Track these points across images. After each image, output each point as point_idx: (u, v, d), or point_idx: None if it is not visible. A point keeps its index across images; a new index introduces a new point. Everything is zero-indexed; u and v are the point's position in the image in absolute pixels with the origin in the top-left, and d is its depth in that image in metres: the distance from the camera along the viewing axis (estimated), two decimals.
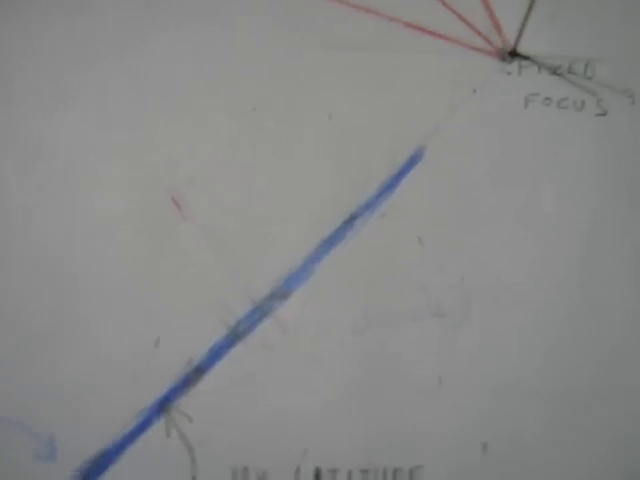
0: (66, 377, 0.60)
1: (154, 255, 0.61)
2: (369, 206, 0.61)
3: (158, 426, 0.60)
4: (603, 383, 0.61)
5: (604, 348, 0.61)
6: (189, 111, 0.61)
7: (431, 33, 0.62)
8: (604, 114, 0.62)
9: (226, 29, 0.61)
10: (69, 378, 0.60)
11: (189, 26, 0.61)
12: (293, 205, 0.61)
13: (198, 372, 0.60)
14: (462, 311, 0.60)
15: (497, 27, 0.63)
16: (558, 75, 0.62)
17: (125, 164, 0.61)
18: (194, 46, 0.61)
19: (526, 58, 0.63)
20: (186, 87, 0.61)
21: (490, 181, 0.61)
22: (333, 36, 0.62)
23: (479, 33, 0.63)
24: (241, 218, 0.61)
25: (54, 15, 0.60)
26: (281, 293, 0.60)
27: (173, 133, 0.61)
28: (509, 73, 0.62)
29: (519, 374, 0.61)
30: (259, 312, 0.60)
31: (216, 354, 0.60)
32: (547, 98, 0.62)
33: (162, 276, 0.60)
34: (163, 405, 0.60)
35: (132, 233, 0.61)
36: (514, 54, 0.63)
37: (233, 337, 0.60)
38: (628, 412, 0.60)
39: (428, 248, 0.61)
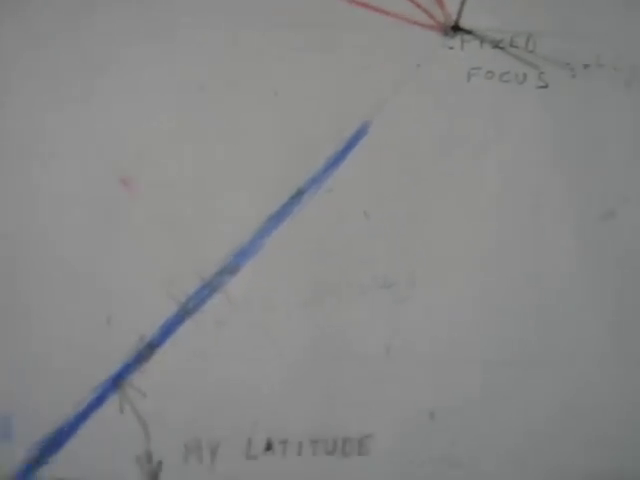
0: (20, 355, 0.61)
1: (104, 234, 0.61)
2: (316, 181, 0.62)
3: (112, 402, 0.61)
4: (543, 351, 0.62)
5: (545, 318, 0.62)
6: (137, 90, 0.62)
7: (375, 9, 0.63)
8: (545, 87, 0.63)
9: (172, 13, 0.62)
10: (23, 356, 0.61)
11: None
12: (241, 181, 0.62)
13: (150, 348, 0.61)
14: (408, 283, 0.62)
15: (439, 1, 0.64)
16: (500, 49, 0.63)
17: (75, 143, 0.61)
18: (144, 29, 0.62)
19: (468, 32, 0.63)
20: (135, 66, 0.61)
21: (434, 155, 0.62)
22: (277, 14, 0.62)
23: (422, 8, 0.64)
24: (189, 195, 0.61)
25: None
26: (230, 268, 0.61)
27: (121, 112, 0.62)
28: (451, 48, 0.63)
29: (464, 343, 0.62)
30: (209, 288, 0.61)
31: (167, 330, 0.61)
32: (489, 72, 0.63)
33: (113, 255, 0.61)
34: (116, 381, 0.61)
35: (82, 212, 0.61)
36: (457, 28, 0.63)
37: (184, 313, 0.61)
38: (566, 379, 0.62)
39: (374, 222, 0.62)
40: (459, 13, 0.63)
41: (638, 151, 0.63)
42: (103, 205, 0.61)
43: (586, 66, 0.63)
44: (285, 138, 0.62)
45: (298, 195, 0.62)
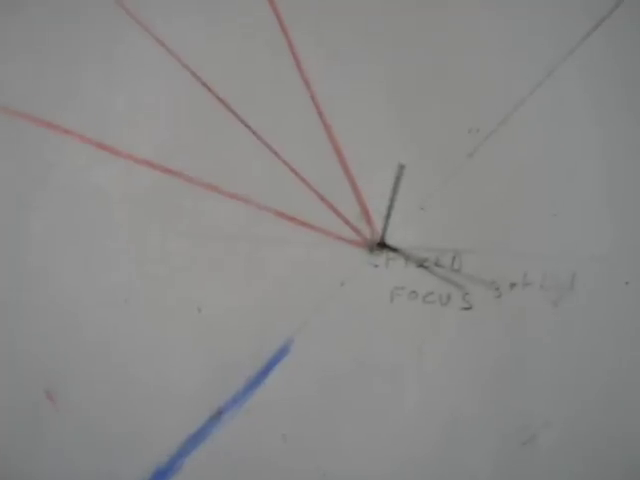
0: None
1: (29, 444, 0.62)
2: (236, 402, 0.62)
3: None
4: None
5: None
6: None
7: (302, 223, 0.63)
8: (470, 308, 0.63)
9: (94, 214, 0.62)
10: None
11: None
12: (162, 399, 0.62)
13: None
14: None
15: (367, 216, 0.64)
16: (425, 268, 0.63)
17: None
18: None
19: (394, 250, 0.63)
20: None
21: (354, 376, 0.62)
22: (202, 225, 0.63)
23: (349, 223, 0.63)
24: (111, 413, 0.62)
25: None
26: None
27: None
28: (376, 266, 0.63)
29: None
30: None
31: None
32: (413, 292, 0.63)
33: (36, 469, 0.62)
34: None
35: (9, 429, 0.62)
36: (382, 245, 0.63)
37: None
38: None
39: (291, 443, 0.62)
40: (384, 229, 0.63)
41: (564, 377, 0.62)
42: (27, 418, 0.62)
43: (513, 285, 0.63)
44: (207, 357, 0.62)
45: (218, 415, 0.62)
